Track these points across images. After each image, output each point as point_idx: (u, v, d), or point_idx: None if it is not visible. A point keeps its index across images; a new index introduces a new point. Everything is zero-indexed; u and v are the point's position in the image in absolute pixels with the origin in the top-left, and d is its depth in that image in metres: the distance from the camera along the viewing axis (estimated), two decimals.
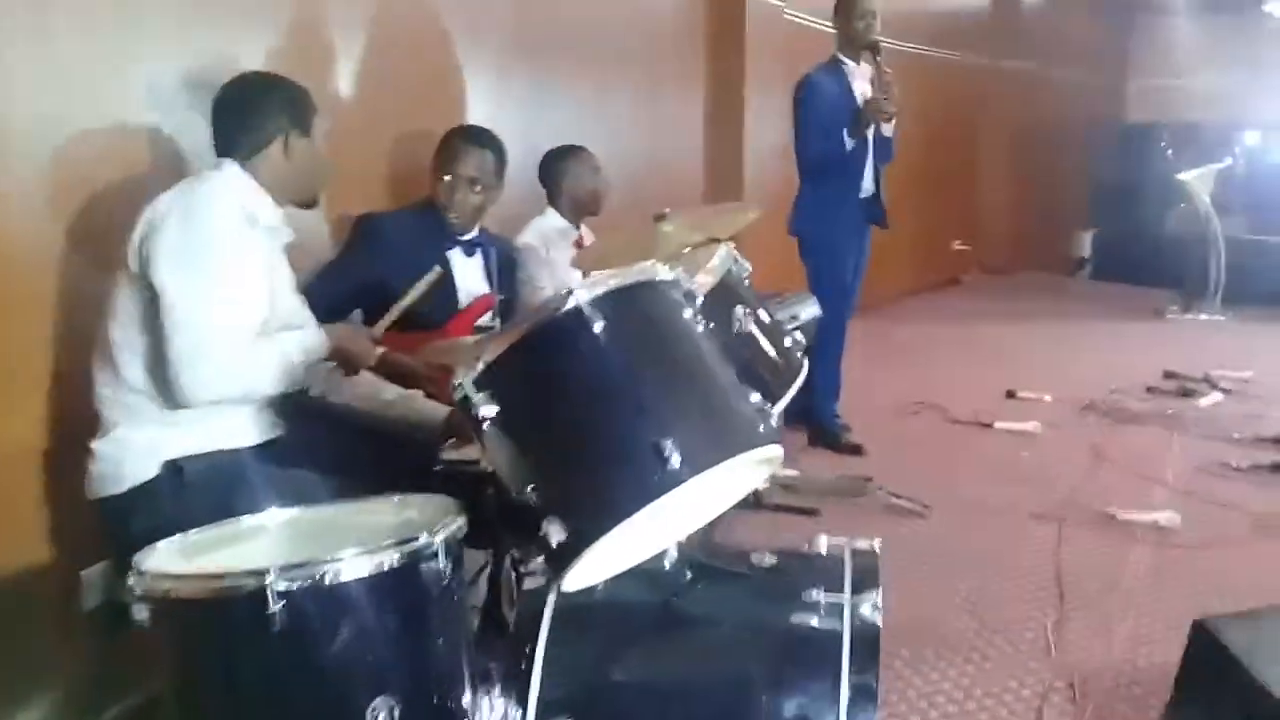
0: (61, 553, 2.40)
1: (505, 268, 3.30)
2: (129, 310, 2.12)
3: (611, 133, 4.82)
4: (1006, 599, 3.23)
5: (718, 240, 2.11)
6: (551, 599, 1.74)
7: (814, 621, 1.71)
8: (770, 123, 6.09)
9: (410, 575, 1.51)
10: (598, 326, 1.47)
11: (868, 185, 4.62)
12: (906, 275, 8.65)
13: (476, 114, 3.89)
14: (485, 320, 3.15)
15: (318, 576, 1.44)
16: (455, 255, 3.09)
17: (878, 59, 4.35)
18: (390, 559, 1.49)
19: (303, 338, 2.24)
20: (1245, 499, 4.08)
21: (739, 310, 1.93)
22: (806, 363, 2.03)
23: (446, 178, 3.06)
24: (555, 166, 3.79)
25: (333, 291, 2.87)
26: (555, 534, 1.45)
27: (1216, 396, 5.62)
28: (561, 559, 1.49)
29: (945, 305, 9.00)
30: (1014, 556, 3.56)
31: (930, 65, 8.29)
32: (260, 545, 1.74)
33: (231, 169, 2.26)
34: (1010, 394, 5.68)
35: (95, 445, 2.17)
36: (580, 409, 1.49)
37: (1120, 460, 4.57)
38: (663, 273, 1.60)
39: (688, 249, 2.13)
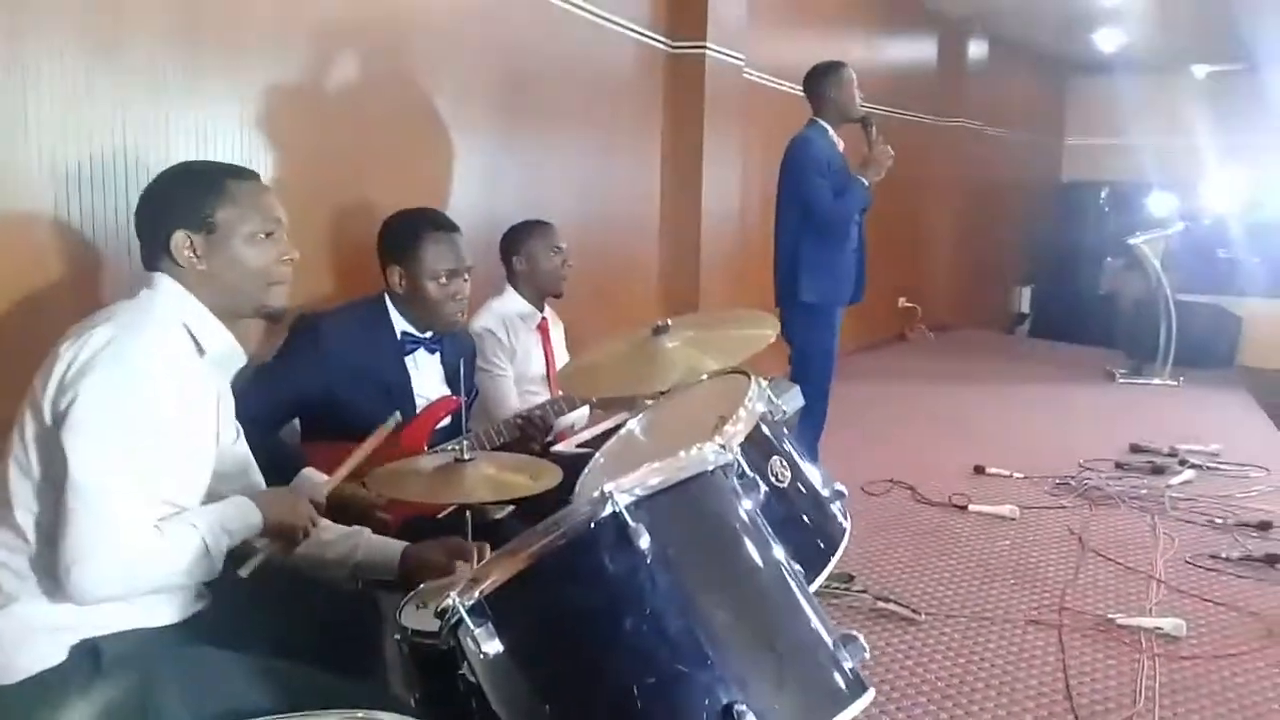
0: None
1: (465, 363, 2.93)
2: (34, 460, 1.72)
3: (566, 196, 4.51)
4: None
5: (741, 371, 1.76)
6: None
7: None
8: (727, 183, 5.84)
9: None
10: (643, 542, 1.11)
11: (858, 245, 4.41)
12: (855, 332, 8.43)
13: (424, 181, 3.54)
14: (445, 423, 2.79)
15: None
16: (417, 356, 2.72)
17: (870, 129, 4.22)
18: None
19: (226, 517, 1.82)
20: (1246, 598, 3.84)
21: (775, 462, 1.58)
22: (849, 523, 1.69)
23: (439, 280, 2.68)
24: (516, 243, 3.43)
25: (268, 402, 2.47)
26: None
27: (1188, 474, 5.43)
28: None
29: (895, 364, 8.80)
30: (1017, 673, 3.25)
31: (875, 121, 8.13)
32: None
33: (166, 285, 1.86)
34: (979, 469, 5.46)
35: None
36: (620, 656, 1.12)
37: (1105, 550, 4.33)
38: (716, 457, 1.24)
39: (704, 377, 1.77)
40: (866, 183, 4.39)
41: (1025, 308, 11.80)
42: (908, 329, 9.93)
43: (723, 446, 1.28)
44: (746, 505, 1.26)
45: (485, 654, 1.15)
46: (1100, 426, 6.43)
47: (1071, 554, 4.30)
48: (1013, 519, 4.74)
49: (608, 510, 1.13)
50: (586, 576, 1.14)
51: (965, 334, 10.36)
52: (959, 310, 10.58)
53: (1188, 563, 4.21)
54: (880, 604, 3.68)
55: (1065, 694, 3.12)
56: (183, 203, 1.88)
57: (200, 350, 1.86)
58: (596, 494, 1.13)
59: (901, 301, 9.72)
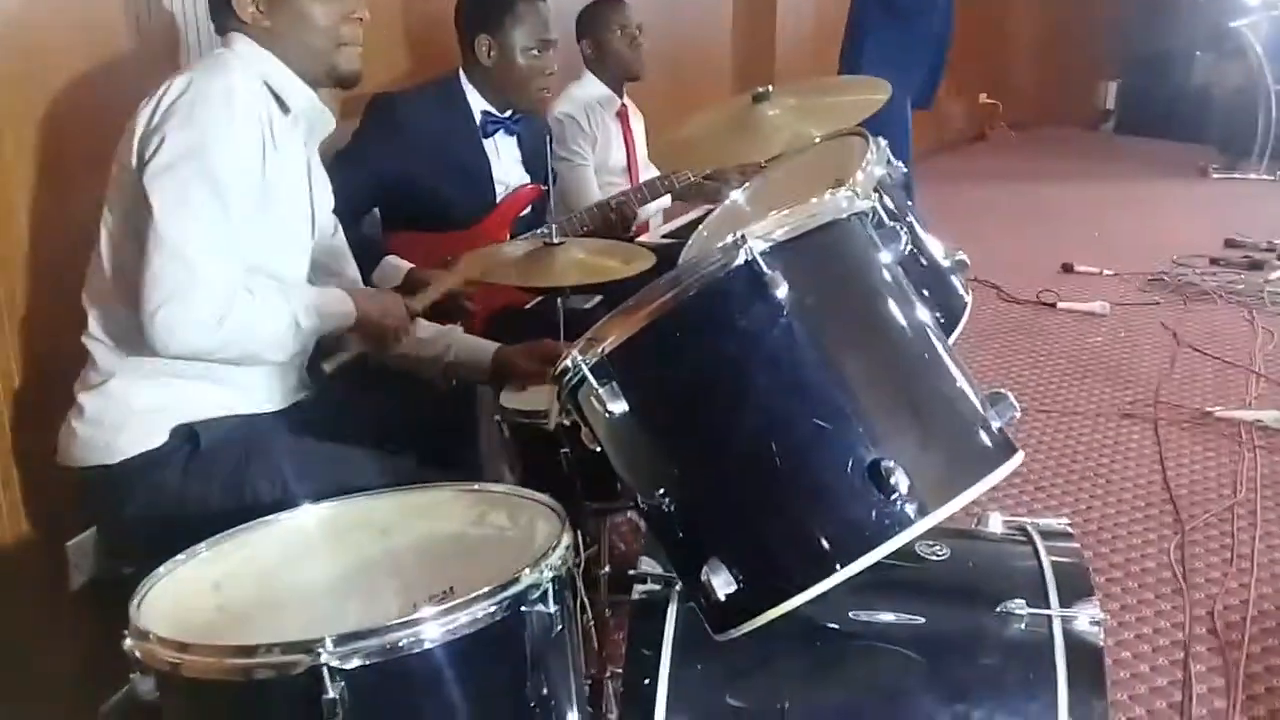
0: (41, 522, 1.98)
1: (542, 148, 2.81)
2: (127, 225, 1.65)
3: None
4: (1118, 520, 2.87)
5: (858, 133, 1.63)
6: (673, 613, 1.35)
7: (1014, 640, 1.33)
8: None
9: (513, 629, 1.11)
10: (780, 291, 1.02)
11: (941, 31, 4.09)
12: (933, 131, 8.09)
13: None
14: (525, 213, 2.70)
15: (389, 647, 1.03)
16: (496, 140, 2.61)
17: None
18: (486, 613, 1.08)
19: (319, 300, 1.76)
20: None
21: (897, 227, 1.46)
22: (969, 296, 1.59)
23: (532, 52, 2.55)
24: (582, 25, 3.23)
25: (347, 187, 2.39)
26: (722, 585, 1.04)
27: None
28: (728, 617, 1.07)
29: (976, 164, 8.47)
30: (1114, 465, 3.20)
31: None
32: (299, 570, 1.32)
33: (244, 44, 1.76)
34: (1067, 267, 5.26)
35: (83, 399, 1.73)
36: (756, 413, 1.05)
37: (1201, 345, 4.18)
38: (850, 203, 1.13)
39: (816, 139, 1.65)
40: None
41: (1111, 104, 11.18)
42: (988, 127, 9.52)
43: (856, 193, 1.17)
44: (886, 257, 1.16)
45: (610, 414, 1.09)
46: (1193, 222, 6.15)
47: (1166, 349, 4.16)
48: (1104, 315, 4.60)
49: (741, 258, 1.04)
50: (719, 329, 1.06)
51: (1048, 131, 9.90)
52: (1041, 107, 10.09)
53: None
54: None
55: (1163, 485, 3.06)
56: None
57: (284, 108, 1.77)
58: (728, 240, 1.04)
59: (982, 98, 9.28)
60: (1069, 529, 1.50)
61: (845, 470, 1.02)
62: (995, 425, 1.15)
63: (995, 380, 3.87)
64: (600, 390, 1.08)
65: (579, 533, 1.86)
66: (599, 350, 1.09)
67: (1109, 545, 2.74)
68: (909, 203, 1.60)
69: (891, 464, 1.00)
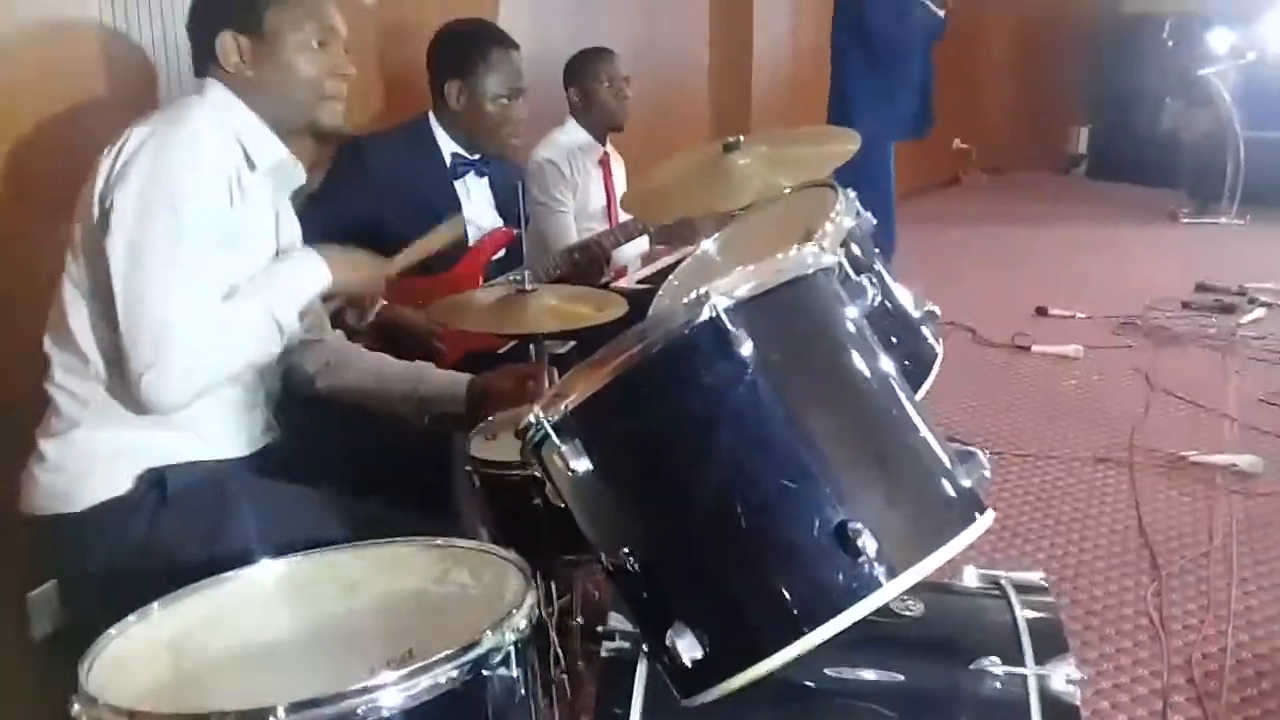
0: (3, 571, 1.94)
1: (514, 193, 2.81)
2: (85, 273, 1.64)
3: (616, 20, 4.27)
4: (1095, 567, 2.86)
5: (828, 184, 1.63)
6: (643, 671, 1.32)
7: (990, 700, 1.31)
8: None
9: (474, 693, 1.07)
10: (745, 348, 1.01)
11: (921, 74, 4.13)
12: (907, 175, 8.15)
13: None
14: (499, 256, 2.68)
15: (345, 714, 1.00)
16: (467, 181, 2.61)
17: None
18: (447, 678, 1.05)
19: (291, 285, 1.73)
20: None
21: (864, 281, 1.45)
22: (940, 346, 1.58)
23: (502, 100, 2.56)
24: (570, 73, 3.27)
25: (316, 230, 2.38)
26: (687, 649, 1.01)
27: (1259, 313, 5.24)
28: (694, 682, 1.05)
29: (950, 208, 8.54)
30: (1089, 510, 3.19)
31: None
32: (257, 628, 1.29)
33: (216, 92, 1.75)
34: (1041, 311, 5.30)
35: (45, 446, 1.70)
36: (721, 473, 1.03)
37: (1174, 389, 4.19)
38: (820, 259, 1.12)
39: (786, 189, 1.64)
40: (941, 13, 4.12)
41: (1082, 148, 11.30)
42: (961, 171, 9.61)
43: (822, 248, 1.16)
44: (853, 312, 1.14)
45: (574, 472, 1.07)
46: (1165, 266, 6.22)
47: (1139, 393, 4.18)
48: (1077, 359, 4.62)
49: (705, 315, 1.03)
50: (683, 387, 1.04)
51: (1020, 176, 10.02)
52: (1013, 152, 10.20)
53: (1261, 400, 4.07)
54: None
55: (1139, 530, 3.05)
56: (232, 1, 1.76)
57: (251, 165, 1.75)
58: (692, 297, 1.02)
59: (956, 143, 9.37)
60: (1043, 582, 1.49)
61: (812, 532, 1.00)
62: (965, 484, 1.13)
63: (970, 424, 3.87)
64: (563, 448, 1.06)
65: (552, 583, 1.84)
66: (562, 407, 1.07)
67: (1085, 592, 2.72)
68: (877, 252, 1.58)
69: (859, 526, 0.98)
